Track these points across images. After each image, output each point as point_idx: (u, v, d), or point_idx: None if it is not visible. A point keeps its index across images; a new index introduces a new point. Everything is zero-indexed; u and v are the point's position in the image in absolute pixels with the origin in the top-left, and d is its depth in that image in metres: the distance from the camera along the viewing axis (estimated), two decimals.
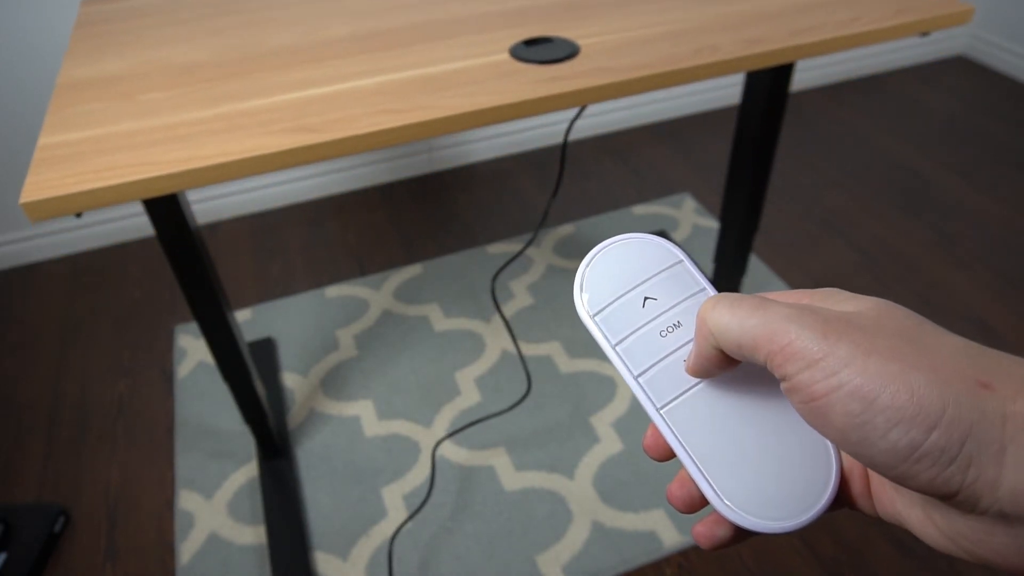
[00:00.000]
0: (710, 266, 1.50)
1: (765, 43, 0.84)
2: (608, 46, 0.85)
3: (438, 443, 1.12)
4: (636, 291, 0.30)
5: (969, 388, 0.21)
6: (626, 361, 0.28)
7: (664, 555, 1.07)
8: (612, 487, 1.16)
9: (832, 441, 0.23)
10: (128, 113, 0.77)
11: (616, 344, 0.29)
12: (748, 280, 1.53)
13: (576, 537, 1.10)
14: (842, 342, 0.22)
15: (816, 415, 0.23)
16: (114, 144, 0.72)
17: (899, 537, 1.09)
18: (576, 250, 1.65)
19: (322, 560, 1.09)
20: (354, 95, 0.78)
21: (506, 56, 0.84)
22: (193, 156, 0.69)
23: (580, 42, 0.86)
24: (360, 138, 0.72)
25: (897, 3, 0.92)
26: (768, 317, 0.24)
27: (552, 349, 1.40)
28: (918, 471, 0.21)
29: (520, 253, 1.10)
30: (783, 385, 0.24)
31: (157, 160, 0.69)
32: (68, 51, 0.90)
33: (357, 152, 0.73)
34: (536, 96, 0.76)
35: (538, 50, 0.84)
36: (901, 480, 0.22)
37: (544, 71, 0.81)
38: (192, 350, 1.45)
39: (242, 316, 1.52)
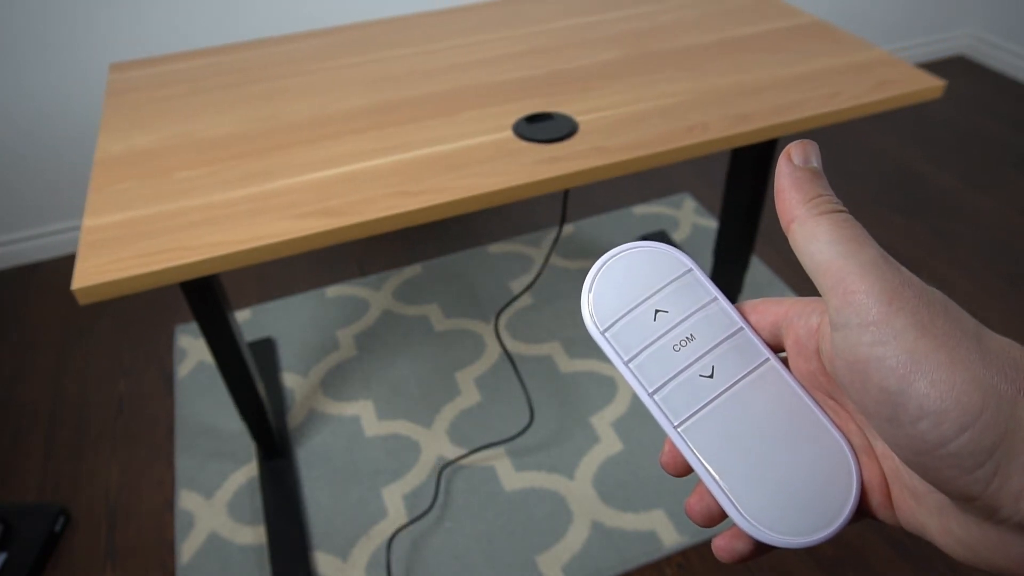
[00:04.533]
0: (709, 266, 1.50)
1: (752, 121, 0.88)
2: (605, 123, 0.89)
3: (445, 465, 1.13)
4: (646, 304, 0.29)
5: (1011, 394, 0.20)
6: (640, 378, 0.28)
7: (664, 555, 1.07)
8: (612, 487, 1.16)
9: (864, 413, 0.23)
10: (163, 193, 0.81)
11: (628, 360, 0.28)
12: (748, 280, 1.53)
13: (576, 537, 1.10)
14: (903, 312, 0.21)
15: (854, 378, 0.22)
16: (152, 227, 0.76)
17: (898, 538, 1.09)
18: (576, 250, 1.65)
19: (322, 560, 1.09)
20: (371, 175, 0.82)
21: (510, 134, 0.88)
22: (226, 240, 0.73)
23: (578, 118, 0.90)
24: (379, 221, 0.76)
25: (874, 78, 0.95)
26: (854, 254, 0.23)
27: (552, 349, 1.40)
28: (940, 467, 0.20)
29: (529, 287, 1.10)
30: (833, 334, 0.23)
31: (193, 244, 0.73)
32: (103, 123, 0.94)
33: (376, 233, 0.78)
34: (538, 179, 0.80)
35: (539, 128, 0.87)
36: (921, 471, 0.21)
37: (545, 150, 0.84)
38: (192, 350, 1.45)
39: (242, 316, 1.52)
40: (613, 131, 0.87)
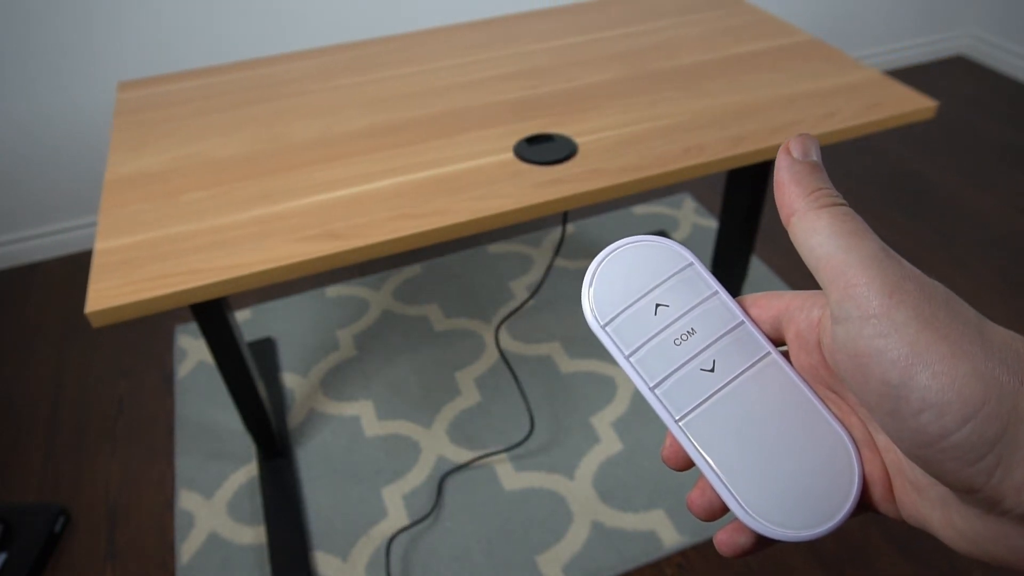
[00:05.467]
0: (709, 266, 1.50)
1: (747, 142, 0.89)
2: (604, 144, 0.90)
3: (446, 473, 1.13)
4: (647, 298, 0.29)
5: (1013, 386, 0.20)
6: (641, 372, 0.28)
7: (664, 555, 1.07)
8: (612, 487, 1.16)
9: (865, 406, 0.23)
10: (172, 215, 0.82)
11: (629, 355, 0.28)
12: (748, 280, 1.53)
13: (576, 537, 1.10)
14: (905, 305, 0.21)
15: (855, 372, 0.22)
16: (162, 249, 0.77)
17: (899, 536, 1.09)
18: (576, 250, 1.65)
19: (322, 560, 1.09)
20: (375, 197, 0.82)
21: (510, 155, 0.88)
22: (235, 264, 0.74)
23: (578, 139, 0.90)
24: (381, 244, 0.77)
25: (868, 99, 0.97)
26: (854, 247, 0.22)
27: (552, 349, 1.40)
28: (942, 460, 0.20)
29: (533, 296, 1.10)
30: (834, 327, 0.23)
31: (202, 267, 0.74)
32: (112, 144, 0.95)
33: (380, 256, 0.78)
34: (539, 201, 0.81)
35: (540, 150, 0.88)
36: (923, 464, 0.21)
37: (545, 172, 0.85)
38: (192, 350, 1.45)
39: (242, 316, 1.52)
40: (612, 153, 0.88)
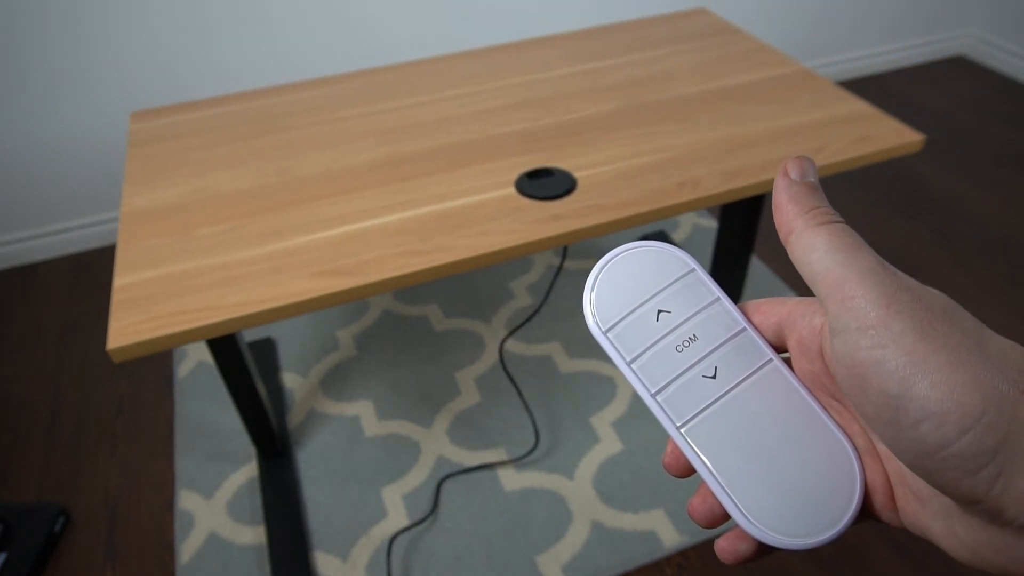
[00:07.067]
0: (709, 267, 1.50)
1: (741, 177, 0.91)
2: (602, 179, 0.92)
3: (445, 477, 1.13)
4: (649, 304, 0.28)
5: (1013, 396, 0.20)
6: (642, 379, 0.28)
7: (664, 555, 1.07)
8: (612, 487, 1.16)
9: (865, 418, 0.23)
10: (187, 250, 0.84)
11: (631, 361, 0.28)
12: (748, 281, 1.53)
13: (576, 537, 1.10)
14: (902, 315, 0.21)
15: (854, 383, 0.22)
16: (178, 285, 0.79)
17: (898, 539, 1.09)
18: (577, 250, 1.65)
19: (322, 560, 1.09)
20: (381, 233, 0.84)
21: (512, 190, 0.90)
22: (249, 300, 0.76)
23: (577, 174, 0.92)
24: (388, 281, 0.79)
25: (857, 132, 0.98)
26: (851, 261, 0.23)
27: (552, 349, 1.40)
28: (942, 470, 0.20)
29: (529, 318, 1.10)
30: (832, 340, 0.23)
31: (218, 304, 0.76)
32: (126, 176, 0.97)
33: (388, 291, 0.80)
34: (540, 238, 0.83)
35: (540, 185, 0.90)
36: (923, 474, 0.21)
37: (546, 208, 0.87)
38: (192, 350, 1.45)
39: None
40: (610, 188, 0.90)
